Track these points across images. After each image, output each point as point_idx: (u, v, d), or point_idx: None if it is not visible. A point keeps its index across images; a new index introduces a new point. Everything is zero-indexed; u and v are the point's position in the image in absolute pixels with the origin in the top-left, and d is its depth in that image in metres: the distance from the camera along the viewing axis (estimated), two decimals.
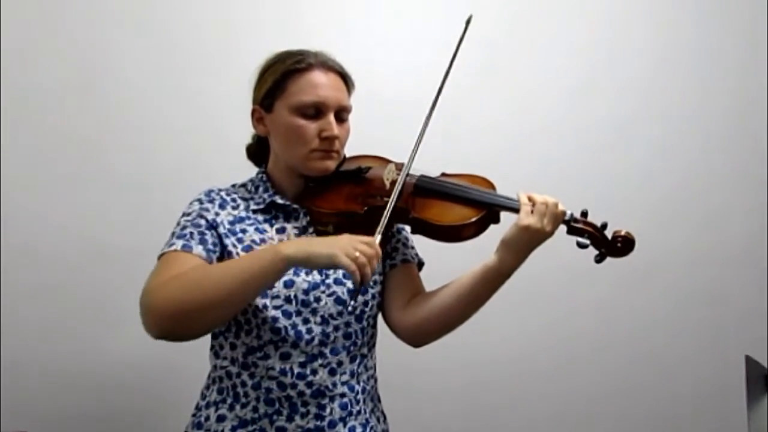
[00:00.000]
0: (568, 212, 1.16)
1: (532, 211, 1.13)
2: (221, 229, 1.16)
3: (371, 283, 1.21)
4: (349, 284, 1.17)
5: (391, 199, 1.14)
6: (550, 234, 1.14)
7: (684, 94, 2.11)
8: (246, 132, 1.30)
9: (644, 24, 2.08)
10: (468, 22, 1.29)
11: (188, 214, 1.17)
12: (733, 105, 2.12)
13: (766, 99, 2.13)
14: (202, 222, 1.15)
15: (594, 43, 2.06)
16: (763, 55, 2.13)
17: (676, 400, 2.07)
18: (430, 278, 1.29)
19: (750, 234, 2.12)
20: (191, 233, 1.13)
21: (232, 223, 1.17)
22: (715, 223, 2.11)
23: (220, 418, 1.14)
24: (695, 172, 2.11)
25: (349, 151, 1.28)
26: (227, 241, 1.15)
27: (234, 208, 1.20)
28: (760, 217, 2.13)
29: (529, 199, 1.15)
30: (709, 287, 2.10)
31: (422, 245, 1.31)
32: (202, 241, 1.12)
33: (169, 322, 1.02)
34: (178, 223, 1.16)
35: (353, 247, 1.00)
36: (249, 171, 1.30)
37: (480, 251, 1.18)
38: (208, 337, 1.22)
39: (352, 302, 1.11)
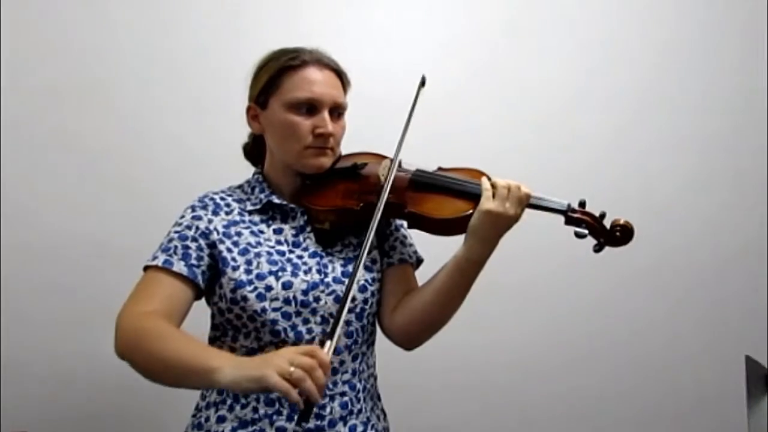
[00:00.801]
0: (565, 202, 1.16)
1: (493, 196, 1.12)
2: (214, 236, 1.15)
3: (370, 281, 1.20)
4: (356, 282, 1.17)
5: (382, 194, 1.14)
6: (515, 217, 1.13)
7: (684, 94, 2.11)
8: (244, 132, 1.30)
9: (644, 25, 2.08)
10: (422, 82, 1.29)
11: (179, 225, 1.17)
12: (733, 105, 2.12)
13: (765, 99, 2.13)
14: (190, 233, 1.15)
15: (593, 43, 2.06)
16: (763, 56, 2.13)
17: (676, 400, 2.07)
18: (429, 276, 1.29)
19: (750, 234, 2.12)
20: (175, 247, 1.13)
21: (226, 227, 1.17)
22: (715, 223, 2.11)
23: (220, 419, 1.14)
24: (695, 172, 2.11)
25: (346, 149, 1.28)
26: (221, 247, 1.15)
27: (228, 213, 1.19)
28: (760, 217, 2.13)
29: (492, 185, 1.14)
30: (709, 287, 2.09)
31: (420, 241, 1.31)
32: (185, 256, 1.12)
33: (126, 359, 1.06)
34: (168, 233, 1.17)
35: (289, 362, 0.89)
36: (249, 172, 1.30)
37: None
38: (206, 338, 1.21)
39: (302, 424, 0.99)
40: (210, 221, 1.17)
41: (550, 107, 2.03)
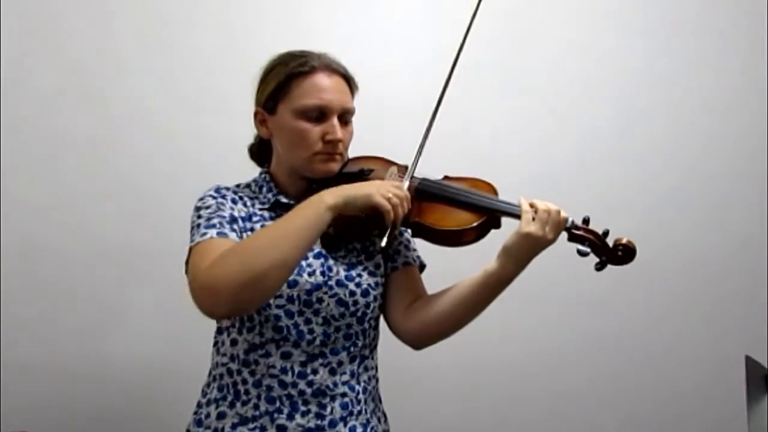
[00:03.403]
0: (570, 219, 1.16)
1: (533, 219, 1.12)
2: (240, 223, 1.15)
3: (373, 285, 1.21)
4: (352, 286, 1.18)
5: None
6: (552, 241, 1.13)
7: (684, 94, 2.11)
8: (247, 132, 1.30)
9: (644, 26, 2.09)
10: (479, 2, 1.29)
11: (207, 207, 1.14)
12: (733, 105, 2.13)
13: (766, 99, 2.13)
14: (226, 214, 1.14)
15: (594, 45, 2.06)
16: (763, 56, 2.13)
17: (676, 399, 2.07)
18: (431, 281, 1.29)
19: (750, 234, 2.12)
20: (220, 222, 1.11)
21: (244, 219, 1.17)
22: (715, 223, 2.11)
23: (221, 416, 1.14)
24: (695, 172, 2.11)
25: (351, 153, 1.28)
26: (245, 236, 1.14)
27: (244, 204, 1.20)
28: (760, 217, 2.13)
29: (531, 205, 1.14)
30: (709, 287, 2.10)
31: (423, 247, 1.31)
32: (233, 230, 1.11)
33: (239, 293, 1.00)
34: (200, 216, 1.13)
35: (386, 189, 1.08)
36: (251, 171, 1.31)
37: (481, 254, 1.18)
38: (211, 334, 1.22)
39: (384, 241, 1.09)
40: (232, 208, 1.16)
41: (550, 109, 2.03)
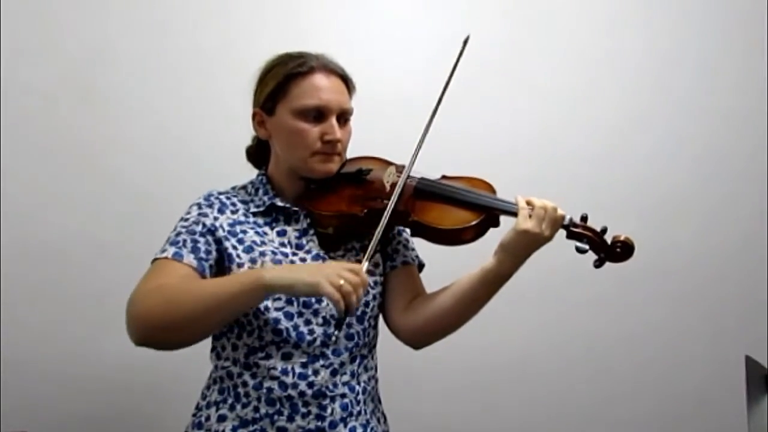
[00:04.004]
0: (567, 216, 1.16)
1: (530, 216, 1.12)
2: (220, 233, 1.16)
3: (372, 284, 1.21)
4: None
5: (390, 203, 1.15)
6: (549, 238, 1.14)
7: (684, 95, 2.10)
8: (246, 133, 1.29)
9: (645, 26, 2.08)
10: (465, 42, 1.28)
11: (185, 220, 1.17)
12: (733, 105, 2.12)
13: (766, 100, 2.13)
14: (198, 228, 1.15)
15: (594, 45, 2.05)
16: (764, 56, 2.13)
17: (676, 400, 2.07)
18: (431, 281, 1.29)
19: (750, 234, 2.12)
20: (184, 240, 1.13)
21: (231, 225, 1.17)
22: (715, 223, 2.11)
23: (221, 418, 1.14)
24: (695, 172, 2.11)
25: (350, 153, 1.28)
26: (227, 244, 1.15)
27: (233, 212, 1.20)
28: (760, 217, 2.13)
29: (528, 203, 1.14)
30: (709, 287, 2.09)
31: (423, 247, 1.31)
32: (194, 250, 1.12)
33: (150, 332, 1.04)
34: (175, 228, 1.17)
35: (338, 275, 0.99)
36: (251, 172, 1.30)
37: (481, 253, 1.18)
38: (209, 338, 1.22)
39: (336, 332, 1.07)
40: (216, 219, 1.17)
41: (552, 109, 2.03)
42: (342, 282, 0.98)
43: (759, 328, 2.08)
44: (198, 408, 1.20)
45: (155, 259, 1.13)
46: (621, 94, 2.07)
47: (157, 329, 1.03)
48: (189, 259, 1.11)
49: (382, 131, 1.62)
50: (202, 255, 1.13)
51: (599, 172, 2.04)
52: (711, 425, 2.06)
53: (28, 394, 1.69)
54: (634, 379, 2.06)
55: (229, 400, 1.15)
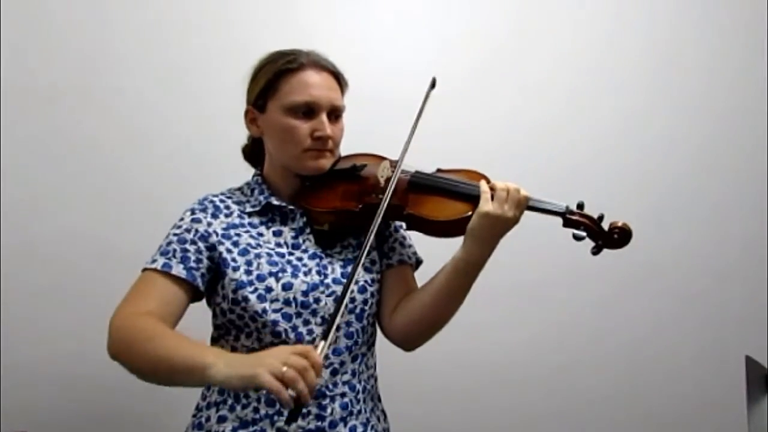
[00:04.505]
0: (563, 204, 1.16)
1: (492, 198, 1.13)
2: (213, 238, 1.16)
3: (369, 282, 1.21)
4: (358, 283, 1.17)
5: (385, 197, 1.15)
6: (513, 220, 1.13)
7: (683, 94, 2.11)
8: (244, 132, 1.30)
9: (645, 25, 2.09)
10: (432, 84, 1.29)
11: (178, 227, 1.17)
12: (733, 105, 2.12)
13: (766, 99, 2.13)
14: (189, 236, 1.15)
15: (594, 42, 2.06)
16: (764, 56, 2.13)
17: (677, 400, 2.07)
18: (428, 277, 1.28)
19: (750, 234, 2.12)
20: (174, 250, 1.13)
21: (225, 229, 1.17)
22: (715, 223, 2.11)
23: (221, 419, 1.14)
24: (695, 172, 2.11)
25: (344, 150, 1.28)
26: (221, 248, 1.15)
27: (227, 215, 1.20)
28: (760, 217, 2.13)
29: (491, 187, 1.15)
30: (709, 288, 2.09)
31: (420, 244, 1.31)
32: (184, 259, 1.13)
33: (119, 359, 1.06)
34: (167, 236, 1.17)
35: (282, 362, 0.90)
36: (248, 171, 1.30)
37: None
38: (208, 339, 1.22)
39: (286, 427, 1.03)
40: (209, 224, 1.17)
41: (551, 107, 2.03)
42: (285, 369, 0.89)
43: (759, 328, 2.08)
44: (198, 409, 1.20)
45: (144, 269, 1.13)
46: (620, 94, 2.07)
47: (122, 363, 1.05)
48: (178, 269, 1.11)
49: (377, 128, 1.62)
50: (192, 264, 1.13)
51: (599, 173, 2.04)
52: (711, 425, 2.06)
53: (28, 394, 1.69)
54: (634, 380, 2.06)
55: (229, 401, 1.15)
